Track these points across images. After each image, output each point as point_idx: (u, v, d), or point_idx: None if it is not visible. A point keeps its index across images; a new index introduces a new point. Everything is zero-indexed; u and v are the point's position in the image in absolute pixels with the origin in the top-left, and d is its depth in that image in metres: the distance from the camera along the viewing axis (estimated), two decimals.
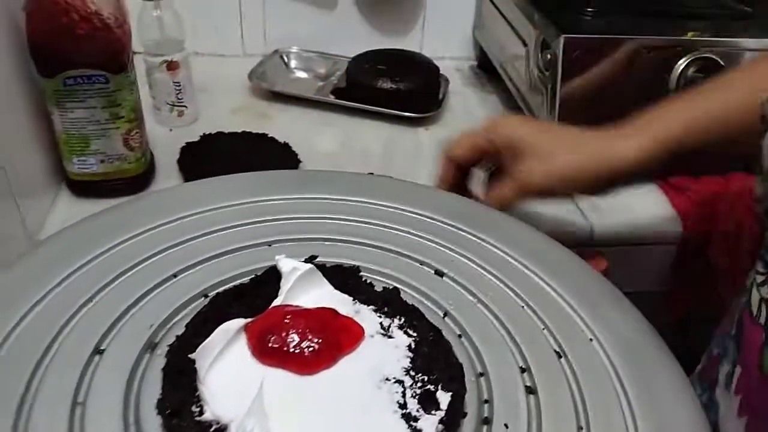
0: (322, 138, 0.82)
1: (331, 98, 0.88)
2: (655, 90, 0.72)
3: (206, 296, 0.35)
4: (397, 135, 0.86)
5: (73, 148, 0.63)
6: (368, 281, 0.35)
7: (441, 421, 0.27)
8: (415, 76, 0.89)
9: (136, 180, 0.66)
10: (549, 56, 0.77)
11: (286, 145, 0.75)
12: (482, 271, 0.39)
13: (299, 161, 0.74)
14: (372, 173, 0.71)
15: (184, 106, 0.79)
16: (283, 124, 0.83)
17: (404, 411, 0.28)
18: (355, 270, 0.36)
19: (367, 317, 0.32)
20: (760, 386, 0.41)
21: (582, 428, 0.30)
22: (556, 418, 0.30)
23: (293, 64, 0.96)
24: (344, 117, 0.87)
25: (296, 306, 0.31)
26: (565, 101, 0.75)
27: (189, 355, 0.29)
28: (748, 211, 0.75)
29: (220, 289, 0.34)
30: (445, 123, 0.90)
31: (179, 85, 0.78)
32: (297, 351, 0.28)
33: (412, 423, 0.27)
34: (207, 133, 0.76)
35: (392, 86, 0.87)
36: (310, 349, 0.29)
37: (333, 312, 0.31)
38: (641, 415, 0.31)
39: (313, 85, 0.93)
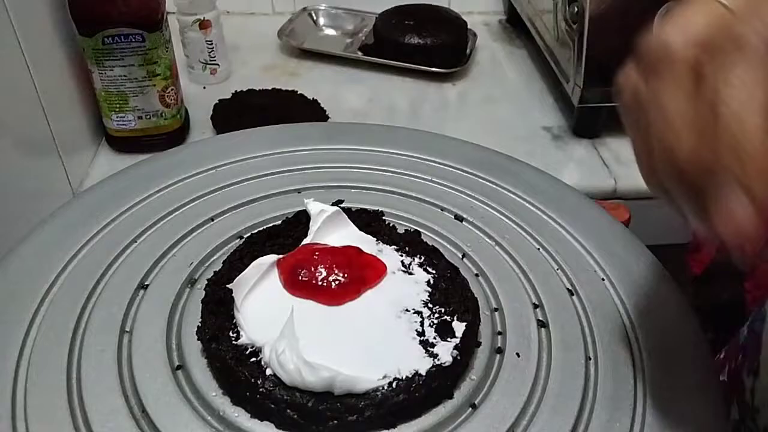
0: (350, 94, 0.84)
1: (359, 55, 0.89)
2: None
3: (241, 237, 0.37)
4: (425, 90, 0.87)
5: (112, 105, 0.66)
6: (391, 224, 0.38)
7: (456, 347, 0.30)
8: (442, 32, 0.90)
9: (173, 135, 0.69)
10: (576, 9, 0.77)
11: (314, 102, 0.77)
12: (500, 215, 0.41)
13: (327, 117, 0.76)
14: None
15: (217, 64, 0.82)
16: (312, 81, 0.85)
17: (422, 338, 0.30)
18: (379, 214, 0.38)
19: (389, 255, 0.34)
20: None
21: (590, 359, 0.32)
22: (566, 349, 0.32)
23: (322, 21, 0.97)
24: (372, 73, 0.89)
25: (324, 244, 0.33)
26: (591, 54, 0.75)
27: (227, 286, 0.31)
28: None
29: (254, 231, 0.37)
30: (473, 78, 0.91)
31: (211, 44, 0.80)
32: (324, 284, 0.31)
33: (429, 348, 0.30)
34: (238, 90, 0.78)
35: (420, 41, 0.88)
36: (337, 282, 0.31)
37: (358, 250, 0.33)
38: (647, 348, 0.33)
39: (342, 42, 0.94)
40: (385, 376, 0.28)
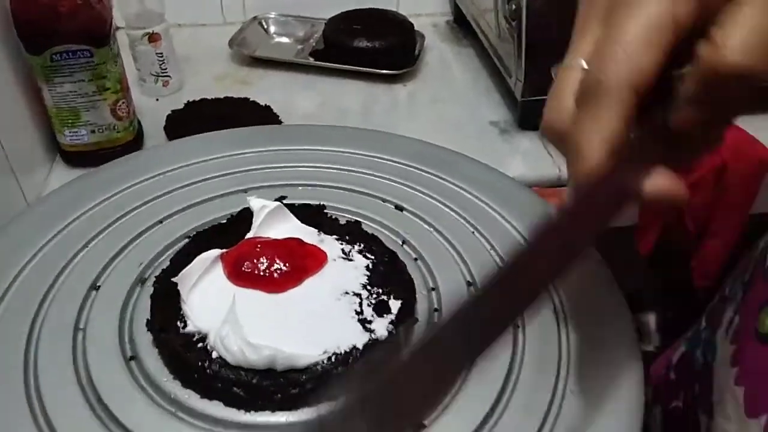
0: (302, 99, 0.86)
1: (310, 60, 0.91)
2: None
3: (189, 237, 0.39)
4: (375, 92, 0.89)
5: (64, 121, 0.67)
6: (332, 216, 0.40)
7: (391, 323, 0.32)
8: (390, 34, 0.92)
9: (126, 147, 0.70)
10: (514, 6, 0.80)
11: (267, 108, 0.79)
12: (438, 204, 0.43)
13: (280, 122, 0.78)
14: None
15: (168, 76, 0.83)
16: (264, 89, 0.87)
17: (360, 317, 0.32)
18: (321, 207, 0.40)
19: (330, 245, 0.36)
20: (753, 344, 0.39)
21: (519, 326, 0.35)
22: None
23: (272, 29, 0.99)
24: (324, 78, 0.91)
25: (266, 237, 0.35)
26: (531, 49, 0.78)
27: (172, 279, 0.33)
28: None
29: (201, 229, 0.39)
30: (422, 78, 0.94)
31: (162, 56, 0.81)
32: (267, 274, 0.33)
33: (366, 325, 0.32)
34: (191, 100, 0.80)
35: (368, 45, 0.90)
36: (278, 271, 0.33)
37: (299, 241, 0.35)
38: (569, 309, 0.36)
39: (293, 48, 0.96)
40: (324, 352, 0.30)
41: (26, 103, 0.67)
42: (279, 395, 0.29)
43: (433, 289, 0.37)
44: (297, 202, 0.41)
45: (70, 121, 0.67)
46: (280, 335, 0.30)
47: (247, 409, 0.30)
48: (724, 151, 0.79)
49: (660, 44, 0.25)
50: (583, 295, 0.37)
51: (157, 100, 0.83)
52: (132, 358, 0.32)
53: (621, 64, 0.25)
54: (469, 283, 0.37)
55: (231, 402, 0.30)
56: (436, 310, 0.35)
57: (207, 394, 0.30)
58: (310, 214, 0.39)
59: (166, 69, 0.82)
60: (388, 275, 0.35)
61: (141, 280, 0.37)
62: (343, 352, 0.31)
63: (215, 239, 0.37)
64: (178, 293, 0.33)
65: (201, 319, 0.31)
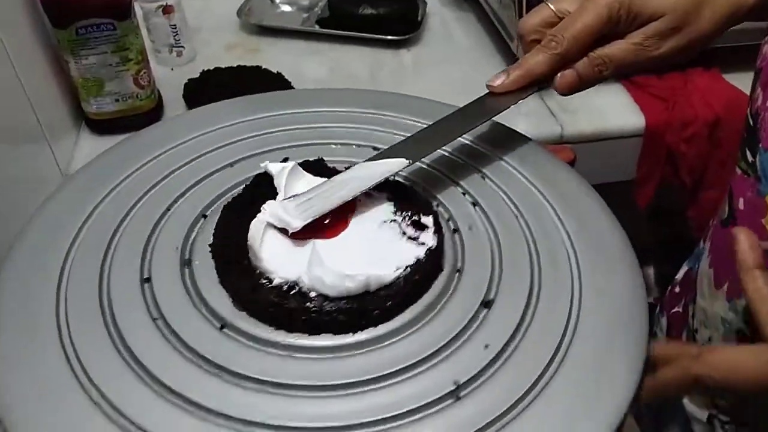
0: (311, 66, 0.89)
1: (316, 28, 0.94)
2: None
3: (205, 216, 0.42)
4: (381, 58, 0.92)
5: (90, 91, 0.71)
6: (333, 167, 0.43)
7: (434, 233, 0.38)
8: (393, 1, 0.95)
9: (148, 115, 0.74)
10: None
11: (279, 75, 0.82)
12: (448, 154, 0.47)
13: (292, 88, 0.81)
14: None
15: (182, 47, 0.86)
16: (273, 56, 0.90)
17: (406, 235, 0.38)
18: (320, 161, 0.44)
19: None
20: (717, 229, 0.53)
21: (517, 216, 0.41)
22: (502, 219, 0.41)
23: None
24: (330, 45, 0.94)
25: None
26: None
27: (248, 242, 0.36)
28: (703, 101, 0.83)
29: (231, 196, 0.42)
30: (426, 43, 0.97)
31: (175, 28, 0.84)
32: (321, 225, 0.37)
33: (416, 240, 0.37)
34: (206, 69, 0.83)
35: (372, 12, 0.93)
36: (328, 220, 0.38)
37: None
38: (575, 232, 0.41)
39: (298, 17, 0.99)
40: (398, 268, 0.36)
41: (54, 75, 0.70)
42: (377, 311, 0.34)
43: (438, 205, 0.43)
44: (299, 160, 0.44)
45: (95, 90, 0.71)
46: (359, 265, 0.35)
47: (354, 331, 0.34)
48: (717, 106, 0.83)
49: (584, 42, 0.43)
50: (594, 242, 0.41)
51: (172, 69, 0.86)
52: (223, 326, 0.35)
53: (564, 44, 0.42)
54: (473, 204, 0.42)
55: (339, 330, 0.34)
56: (449, 219, 0.42)
57: (315, 331, 0.34)
58: (316, 169, 0.42)
59: (179, 40, 0.85)
60: (410, 201, 0.40)
61: (185, 262, 0.38)
62: (411, 264, 0.36)
63: (245, 206, 0.40)
64: (237, 260, 0.36)
65: (285, 270, 0.35)
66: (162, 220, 0.42)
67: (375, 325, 0.34)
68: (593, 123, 0.82)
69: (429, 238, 0.37)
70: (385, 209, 0.40)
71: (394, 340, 0.34)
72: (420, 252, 0.37)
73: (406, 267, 0.36)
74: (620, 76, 0.86)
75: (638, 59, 0.44)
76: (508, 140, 0.49)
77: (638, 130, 0.83)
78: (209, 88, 0.79)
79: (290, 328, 0.35)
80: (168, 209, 0.42)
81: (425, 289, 0.36)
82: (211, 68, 0.83)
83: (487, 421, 0.31)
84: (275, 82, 0.81)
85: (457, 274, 0.38)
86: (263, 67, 0.84)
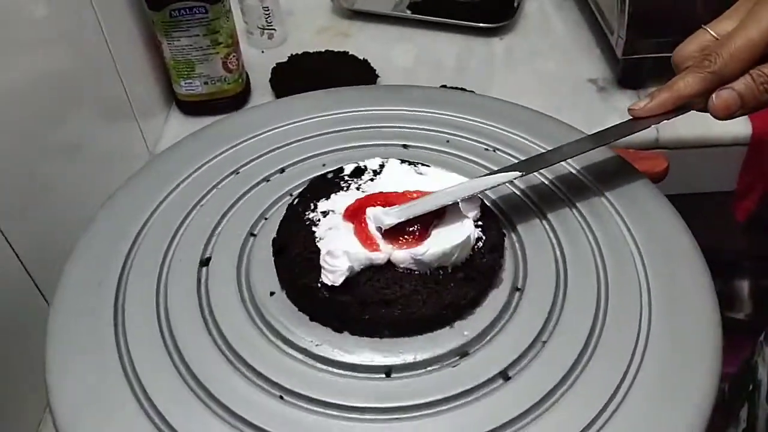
0: (399, 53, 0.88)
1: (408, 13, 0.93)
2: None
3: (291, 195, 0.43)
4: (471, 46, 0.90)
5: (181, 73, 0.73)
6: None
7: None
8: None
9: (236, 98, 0.76)
10: None
11: (365, 62, 0.82)
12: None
13: (377, 76, 0.80)
14: (444, 85, 0.77)
15: (273, 29, 0.87)
16: (362, 41, 0.89)
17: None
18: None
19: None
20: None
21: (603, 288, 0.38)
22: (575, 246, 0.40)
23: None
24: (421, 30, 0.92)
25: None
26: (635, 6, 0.76)
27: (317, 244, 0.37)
28: None
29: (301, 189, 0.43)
30: (520, 32, 0.93)
31: (268, 10, 0.85)
32: (404, 233, 0.37)
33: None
34: (294, 53, 0.83)
35: None
36: (411, 230, 0.37)
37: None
38: (652, 268, 0.38)
39: (391, 1, 0.97)
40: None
41: (147, 55, 0.73)
42: (452, 284, 0.35)
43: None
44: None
45: (185, 72, 0.73)
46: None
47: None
48: None
49: (745, 59, 0.38)
50: (666, 261, 0.38)
51: (263, 52, 0.87)
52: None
53: (720, 60, 0.38)
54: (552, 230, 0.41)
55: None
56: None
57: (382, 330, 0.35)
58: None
59: (271, 22, 0.86)
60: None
61: (251, 233, 0.41)
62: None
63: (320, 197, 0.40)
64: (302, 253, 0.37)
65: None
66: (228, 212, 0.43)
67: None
68: (693, 128, 0.76)
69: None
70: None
71: (451, 361, 0.34)
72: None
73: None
74: None
75: None
76: (597, 160, 0.46)
77: (743, 138, 0.76)
78: (295, 73, 0.79)
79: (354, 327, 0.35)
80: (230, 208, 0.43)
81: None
82: (299, 53, 0.83)
83: None
84: (360, 69, 0.81)
85: (518, 292, 0.37)
86: (350, 53, 0.83)
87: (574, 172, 0.45)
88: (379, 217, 0.37)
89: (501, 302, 0.36)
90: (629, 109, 0.42)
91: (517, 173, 0.39)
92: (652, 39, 0.77)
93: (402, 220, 0.36)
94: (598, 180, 0.44)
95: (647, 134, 0.75)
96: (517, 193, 0.43)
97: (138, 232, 0.41)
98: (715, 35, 0.40)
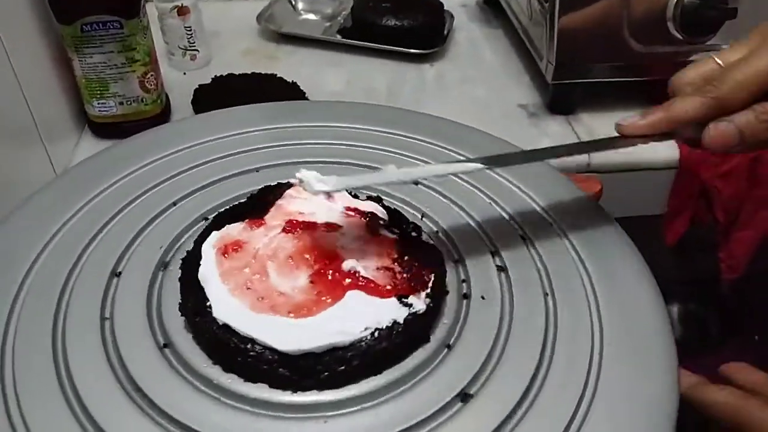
0: (329, 77, 0.86)
1: (338, 38, 0.91)
2: (653, 19, 0.74)
3: (206, 219, 0.39)
4: (403, 72, 0.88)
5: (93, 92, 0.68)
6: (353, 193, 0.39)
7: (427, 296, 0.32)
8: (419, 13, 0.91)
9: (153, 120, 0.71)
10: None
11: (294, 85, 0.79)
12: (456, 179, 0.43)
13: (307, 99, 0.77)
14: None
15: (196, 50, 0.83)
16: (291, 65, 0.86)
17: (396, 290, 0.33)
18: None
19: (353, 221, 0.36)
20: None
21: (548, 294, 0.35)
22: (525, 288, 0.36)
23: (300, 5, 0.99)
24: (351, 56, 0.90)
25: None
26: (563, 33, 0.77)
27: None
28: None
29: (220, 210, 0.39)
30: (450, 59, 0.93)
31: (190, 30, 0.81)
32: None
33: (403, 300, 0.32)
34: (218, 75, 0.80)
35: (397, 23, 0.89)
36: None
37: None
38: (597, 279, 0.36)
39: (320, 25, 0.95)
40: (366, 328, 0.31)
41: (56, 73, 0.67)
42: (326, 373, 0.30)
43: (457, 260, 0.37)
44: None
45: (99, 92, 0.68)
46: (321, 316, 0.31)
47: (294, 390, 0.30)
48: None
49: (751, 90, 0.35)
50: (615, 280, 0.37)
51: (185, 74, 0.83)
52: (165, 345, 0.32)
53: (724, 87, 0.35)
54: (493, 254, 0.37)
55: (277, 383, 0.30)
56: (464, 281, 0.36)
57: (251, 377, 0.30)
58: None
59: (194, 43, 0.82)
60: (416, 248, 0.35)
61: (163, 265, 0.37)
62: (384, 327, 0.31)
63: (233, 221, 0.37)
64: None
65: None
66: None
67: (320, 388, 0.30)
68: (623, 152, 0.77)
69: (419, 302, 0.32)
70: (386, 253, 0.35)
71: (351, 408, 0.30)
72: (402, 315, 0.32)
73: (376, 329, 0.31)
74: None
75: None
76: (535, 173, 0.45)
77: (671, 162, 0.77)
78: (219, 94, 0.75)
79: (225, 367, 0.31)
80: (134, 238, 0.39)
81: (395, 360, 0.31)
82: (224, 74, 0.80)
83: None
84: (289, 91, 0.77)
85: (446, 349, 0.33)
86: (278, 75, 0.80)
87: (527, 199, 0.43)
88: (311, 182, 0.33)
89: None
90: (617, 125, 0.39)
91: (480, 165, 0.36)
92: (580, 64, 0.78)
93: (337, 189, 0.34)
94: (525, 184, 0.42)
95: (579, 158, 0.75)
96: (471, 222, 0.40)
97: (36, 257, 0.36)
98: (721, 63, 0.36)
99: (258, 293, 0.32)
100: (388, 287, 0.32)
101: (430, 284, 0.33)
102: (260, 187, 0.39)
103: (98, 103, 0.68)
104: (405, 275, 0.33)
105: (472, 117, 0.79)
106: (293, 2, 0.98)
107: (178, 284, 0.34)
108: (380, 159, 0.45)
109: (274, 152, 0.45)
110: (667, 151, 0.77)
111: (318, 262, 0.33)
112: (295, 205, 0.36)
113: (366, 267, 0.33)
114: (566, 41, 0.77)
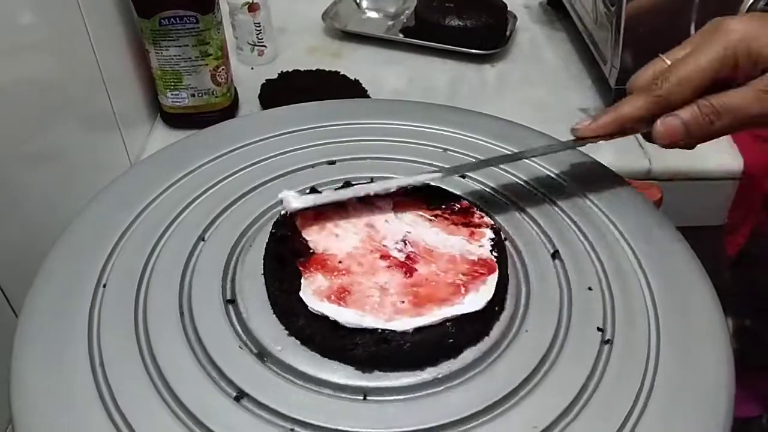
0: (390, 75, 0.87)
1: (400, 37, 0.92)
2: None
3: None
4: (464, 72, 0.89)
5: (168, 83, 0.71)
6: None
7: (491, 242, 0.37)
8: (482, 13, 0.92)
9: (223, 112, 0.74)
10: None
11: (356, 82, 0.81)
12: (515, 179, 0.44)
13: (368, 97, 0.79)
14: None
15: (264, 46, 0.86)
16: (354, 62, 0.88)
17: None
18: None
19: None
20: None
21: (604, 292, 0.37)
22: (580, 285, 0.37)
23: (365, 4, 1.00)
24: (412, 55, 0.91)
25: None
26: (629, 36, 0.76)
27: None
28: None
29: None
30: (512, 60, 0.93)
31: (259, 26, 0.83)
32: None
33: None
34: (284, 71, 0.82)
35: (459, 23, 0.90)
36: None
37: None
38: (656, 284, 0.37)
39: (383, 24, 0.97)
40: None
41: (134, 64, 0.71)
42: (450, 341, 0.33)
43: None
44: (377, 176, 0.42)
45: (172, 83, 0.71)
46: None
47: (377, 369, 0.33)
48: None
49: (694, 86, 0.37)
50: (676, 290, 0.37)
51: (252, 68, 0.86)
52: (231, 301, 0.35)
53: (666, 85, 0.37)
54: (552, 255, 0.39)
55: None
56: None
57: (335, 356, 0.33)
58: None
59: (262, 39, 0.85)
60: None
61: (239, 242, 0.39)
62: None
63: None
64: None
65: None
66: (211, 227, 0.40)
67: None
68: (685, 160, 0.76)
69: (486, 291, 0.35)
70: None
71: (463, 378, 0.32)
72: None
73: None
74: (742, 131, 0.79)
75: (765, 110, 0.36)
76: (591, 174, 0.45)
77: (735, 173, 0.76)
78: (285, 90, 0.78)
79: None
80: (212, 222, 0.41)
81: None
82: (290, 70, 0.82)
83: None
84: (352, 89, 0.79)
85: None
86: (342, 72, 0.82)
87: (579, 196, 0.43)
88: (289, 200, 0.37)
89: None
90: (572, 129, 0.42)
91: (438, 174, 0.40)
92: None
93: (306, 206, 0.37)
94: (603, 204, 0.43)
95: (639, 163, 0.75)
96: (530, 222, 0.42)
97: (116, 243, 0.39)
98: (668, 62, 0.39)
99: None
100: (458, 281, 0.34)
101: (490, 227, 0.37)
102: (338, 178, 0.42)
103: (171, 94, 0.72)
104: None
105: (532, 119, 0.79)
106: (357, 1, 1.00)
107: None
108: (441, 158, 0.46)
109: (343, 147, 0.47)
110: (730, 159, 0.76)
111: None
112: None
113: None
114: (631, 45, 0.76)
